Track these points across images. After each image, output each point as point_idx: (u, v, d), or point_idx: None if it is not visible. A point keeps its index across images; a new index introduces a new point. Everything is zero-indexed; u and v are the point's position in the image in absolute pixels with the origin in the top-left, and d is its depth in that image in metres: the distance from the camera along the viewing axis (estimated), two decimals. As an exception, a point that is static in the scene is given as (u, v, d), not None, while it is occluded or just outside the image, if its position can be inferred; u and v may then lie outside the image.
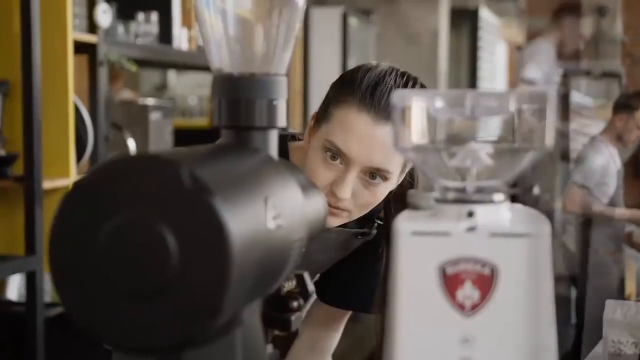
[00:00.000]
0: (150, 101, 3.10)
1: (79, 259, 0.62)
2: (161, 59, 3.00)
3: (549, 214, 3.97)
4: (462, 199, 0.69)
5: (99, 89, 2.60)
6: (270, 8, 0.81)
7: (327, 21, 4.70)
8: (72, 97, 2.44)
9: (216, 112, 0.80)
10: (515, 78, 4.33)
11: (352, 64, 5.66)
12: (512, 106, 0.68)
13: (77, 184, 0.63)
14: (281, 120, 0.81)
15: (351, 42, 4.77)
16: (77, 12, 2.55)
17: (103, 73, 2.61)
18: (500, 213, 0.69)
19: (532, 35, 9.64)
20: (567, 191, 4.12)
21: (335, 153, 1.21)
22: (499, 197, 0.70)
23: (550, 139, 0.69)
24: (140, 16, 2.95)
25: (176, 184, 0.60)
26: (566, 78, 4.39)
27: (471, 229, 0.67)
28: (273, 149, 0.81)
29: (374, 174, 1.22)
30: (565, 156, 4.09)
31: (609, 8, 9.10)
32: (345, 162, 1.21)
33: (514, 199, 0.72)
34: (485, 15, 7.34)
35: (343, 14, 4.76)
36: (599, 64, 8.71)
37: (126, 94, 3.79)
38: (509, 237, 0.67)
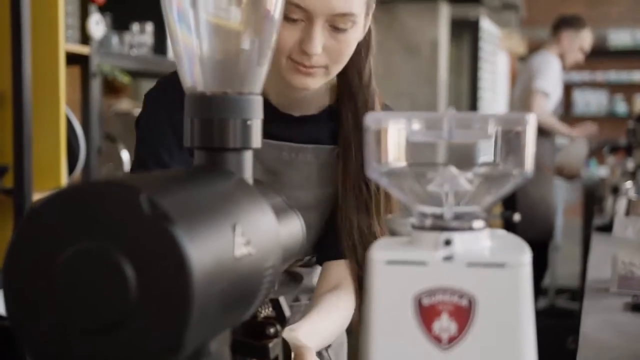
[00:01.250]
0: (145, 112, 3.07)
1: (33, 287, 0.59)
2: (156, 70, 2.98)
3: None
4: (439, 226, 0.66)
5: (91, 100, 2.58)
6: (243, 24, 0.79)
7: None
8: (63, 109, 2.41)
9: (188, 132, 0.77)
10: (524, 88, 4.32)
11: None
12: (491, 130, 0.65)
13: (33, 209, 0.60)
14: (256, 141, 0.78)
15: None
16: (70, 23, 2.52)
17: (96, 84, 2.59)
18: (479, 241, 0.66)
19: (533, 46, 9.63)
20: (532, 99, 4.19)
21: (294, 11, 1.16)
22: (478, 224, 0.67)
23: (530, 164, 0.66)
24: (135, 27, 2.92)
25: (135, 212, 0.57)
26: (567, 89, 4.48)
27: (448, 258, 0.64)
28: (247, 171, 0.78)
29: (339, 21, 1.17)
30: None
31: None
32: (307, 18, 1.16)
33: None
34: (486, 25, 7.31)
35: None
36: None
37: (125, 105, 3.77)
38: (488, 267, 0.64)
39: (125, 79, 2.68)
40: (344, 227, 1.25)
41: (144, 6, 2.72)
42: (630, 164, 4.01)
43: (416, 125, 0.67)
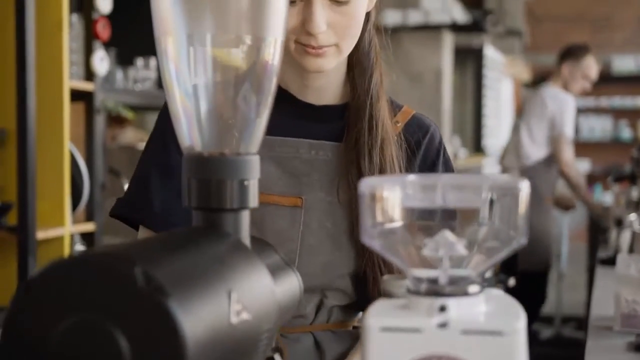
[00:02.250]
0: (149, 146, 3.08)
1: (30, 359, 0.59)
2: (160, 104, 2.98)
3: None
4: (434, 291, 0.66)
5: (95, 136, 2.59)
6: (242, 83, 0.79)
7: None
8: (67, 146, 2.43)
9: (186, 192, 0.78)
10: (535, 126, 4.29)
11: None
12: (484, 196, 0.66)
13: (29, 282, 0.61)
14: (253, 201, 0.79)
15: (354, 82, 4.73)
16: (75, 59, 2.54)
17: (100, 120, 2.60)
18: (474, 306, 0.66)
19: (537, 72, 9.66)
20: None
21: None
22: (473, 288, 0.67)
23: (524, 230, 0.66)
24: (140, 61, 2.94)
25: (129, 285, 0.58)
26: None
27: (443, 325, 0.64)
28: (244, 231, 0.78)
29: None
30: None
31: None
32: None
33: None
34: (490, 53, 7.34)
35: (345, 55, 4.75)
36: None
37: (130, 134, 3.78)
38: (483, 334, 0.64)
39: (129, 115, 2.70)
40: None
41: (149, 41, 2.73)
42: (634, 193, 4.00)
43: (409, 191, 0.67)
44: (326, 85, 1.24)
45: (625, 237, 2.89)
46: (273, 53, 0.79)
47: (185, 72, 0.78)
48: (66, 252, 2.46)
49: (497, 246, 0.68)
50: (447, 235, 0.68)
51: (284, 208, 1.19)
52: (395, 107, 1.27)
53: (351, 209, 1.19)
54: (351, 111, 1.22)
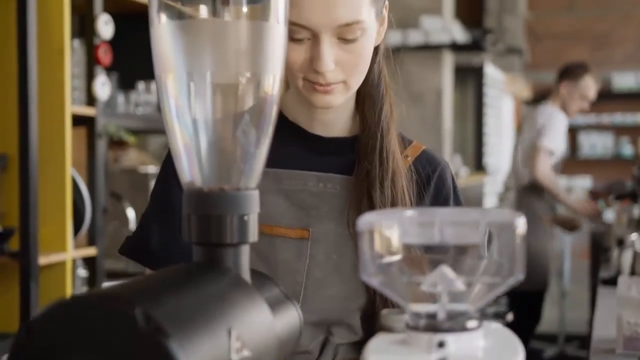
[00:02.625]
0: (151, 169, 3.10)
1: (31, 401, 0.60)
2: (161, 128, 3.01)
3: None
4: (433, 326, 0.67)
5: (97, 161, 2.60)
6: (241, 122, 0.80)
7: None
8: (69, 171, 2.43)
9: (186, 227, 0.79)
10: (530, 144, 4.33)
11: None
12: (481, 232, 0.66)
13: (30, 324, 0.61)
14: (253, 235, 0.79)
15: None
16: (76, 84, 2.56)
17: (101, 145, 2.61)
18: (472, 341, 0.67)
19: (537, 89, 9.69)
20: (536, 157, 4.18)
21: (298, 31, 1.10)
22: (471, 324, 0.67)
23: (522, 266, 0.67)
24: (141, 85, 2.96)
25: (130, 326, 0.58)
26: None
27: (441, 362, 0.65)
28: (244, 265, 0.79)
29: (346, 32, 1.10)
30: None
31: None
32: (312, 35, 1.10)
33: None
34: (490, 71, 7.36)
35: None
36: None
37: (133, 156, 3.80)
38: (481, 371, 0.64)
39: (130, 139, 2.71)
40: None
41: (150, 65, 2.75)
42: (636, 211, 4.00)
43: (407, 227, 0.68)
44: (335, 118, 1.24)
45: (627, 257, 2.89)
46: (272, 89, 0.80)
47: (185, 109, 0.79)
48: (68, 277, 2.46)
49: (496, 282, 0.68)
50: (446, 270, 0.69)
51: (290, 240, 1.18)
52: (405, 142, 1.26)
53: None
54: (361, 144, 1.21)
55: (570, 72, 4.39)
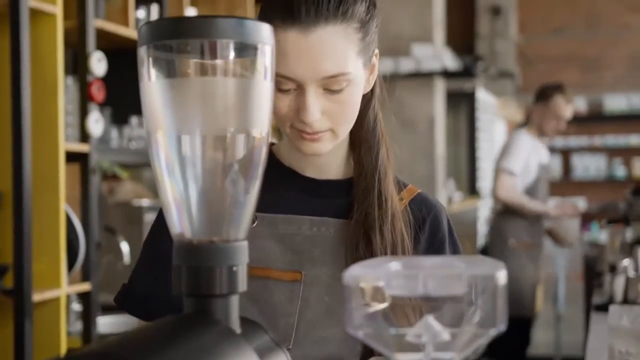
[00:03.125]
0: (145, 202, 3.12)
1: None
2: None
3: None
4: (419, 377, 0.69)
5: (90, 196, 2.62)
6: (229, 176, 0.82)
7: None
8: (63, 208, 2.45)
9: (176, 278, 0.80)
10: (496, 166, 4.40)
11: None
12: (463, 287, 0.68)
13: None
14: (242, 285, 0.81)
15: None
16: (70, 121, 2.58)
17: (95, 181, 2.63)
18: (457, 392, 0.68)
19: (530, 112, 9.75)
20: (496, 178, 4.24)
21: (284, 82, 1.11)
22: (456, 374, 0.69)
23: (503, 318, 0.69)
24: (134, 120, 2.98)
25: (121, 385, 0.60)
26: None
27: (426, 413, 0.66)
28: (234, 315, 0.80)
29: (332, 84, 1.11)
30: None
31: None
32: (298, 86, 1.11)
33: None
34: (482, 96, 7.41)
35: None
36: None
37: (128, 187, 3.81)
38: (465, 422, 0.66)
39: (124, 175, 2.73)
40: None
41: (142, 100, 2.78)
42: (628, 235, 4.02)
43: (392, 281, 0.70)
44: (328, 161, 1.24)
45: (619, 283, 2.90)
46: (260, 142, 0.82)
47: (175, 163, 0.80)
48: (62, 313, 2.46)
49: (479, 332, 0.70)
50: (431, 321, 0.70)
51: (283, 283, 1.19)
52: (400, 184, 1.27)
53: None
54: (359, 187, 1.22)
55: (542, 94, 4.41)
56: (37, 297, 2.36)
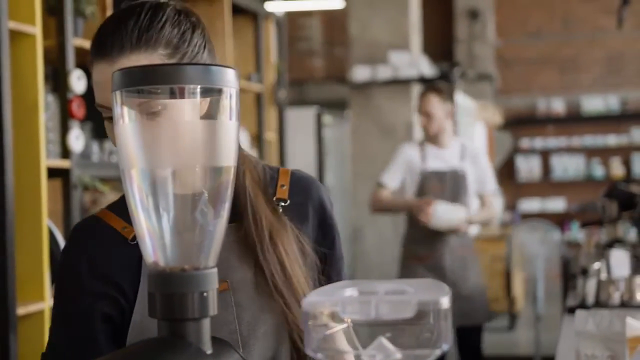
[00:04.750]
0: (126, 214, 3.16)
1: None
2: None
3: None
4: (372, 394, 0.75)
5: (72, 211, 2.67)
6: (199, 208, 0.89)
7: (302, 120, 4.82)
8: (45, 222, 2.50)
9: (150, 304, 0.87)
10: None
11: (328, 160, 5.79)
12: (412, 311, 0.75)
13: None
14: (213, 309, 0.88)
15: (326, 137, 4.87)
16: (51, 138, 2.63)
17: (76, 196, 2.69)
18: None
19: (508, 115, 9.86)
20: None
21: (105, 111, 1.18)
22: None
23: (447, 338, 0.76)
24: (114, 134, 3.04)
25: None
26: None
27: None
28: (205, 337, 0.87)
29: (149, 107, 1.11)
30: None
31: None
32: None
33: None
34: (461, 100, 7.50)
35: (317, 113, 4.89)
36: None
37: (110, 197, 3.85)
38: None
39: (104, 189, 2.78)
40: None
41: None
42: (603, 237, 4.11)
43: (348, 306, 0.77)
44: None
45: (591, 286, 2.97)
46: (227, 175, 0.89)
47: (148, 198, 0.87)
48: (46, 326, 2.52)
49: (427, 351, 0.77)
50: (384, 342, 0.77)
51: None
52: (273, 172, 1.31)
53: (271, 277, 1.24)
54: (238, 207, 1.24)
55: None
56: (21, 310, 2.41)
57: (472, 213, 4.07)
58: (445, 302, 0.75)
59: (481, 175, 4.06)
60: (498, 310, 6.84)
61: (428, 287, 0.80)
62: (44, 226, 2.49)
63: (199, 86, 0.85)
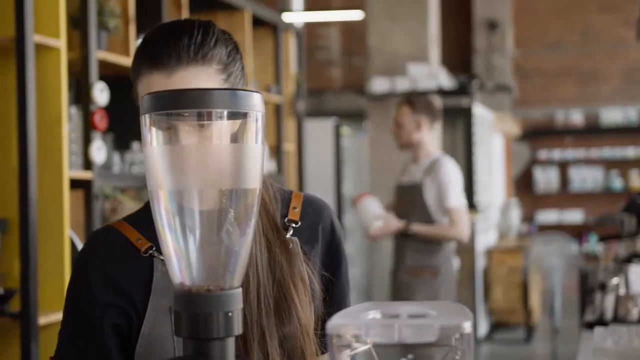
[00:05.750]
0: (146, 224, 3.19)
1: None
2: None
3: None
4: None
5: (94, 222, 2.70)
6: (224, 230, 0.90)
7: (320, 131, 4.84)
8: (67, 233, 2.53)
9: (177, 323, 0.88)
10: None
11: (346, 171, 5.80)
12: (435, 335, 0.76)
13: None
14: (237, 329, 0.89)
15: (344, 148, 4.89)
16: (74, 149, 2.66)
17: (98, 206, 2.72)
18: None
19: (526, 126, 9.83)
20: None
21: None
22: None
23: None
24: (136, 145, 3.07)
25: None
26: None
27: None
28: (230, 356, 0.89)
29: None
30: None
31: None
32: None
33: None
34: (479, 111, 7.49)
35: (336, 125, 4.91)
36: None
37: (130, 206, 3.88)
38: None
39: (125, 200, 2.81)
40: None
41: (144, 126, 2.87)
42: (621, 251, 4.09)
43: (372, 329, 0.78)
44: None
45: (609, 301, 2.97)
46: (253, 196, 0.91)
47: (176, 219, 0.89)
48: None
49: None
50: (407, 363, 0.79)
51: None
52: (284, 194, 1.33)
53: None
54: None
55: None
56: (42, 320, 2.44)
57: (414, 226, 3.90)
58: (467, 326, 0.76)
59: (441, 189, 3.93)
60: (514, 322, 6.83)
61: (450, 310, 0.81)
62: (66, 236, 2.52)
63: (225, 110, 0.87)
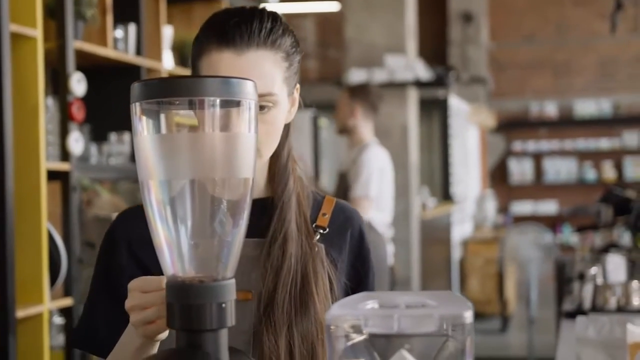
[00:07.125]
0: (123, 216, 3.15)
1: None
2: (133, 177, 3.08)
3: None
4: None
5: (71, 213, 2.67)
6: (217, 220, 0.89)
7: (298, 123, 4.80)
8: (45, 225, 2.50)
9: (170, 315, 0.87)
10: None
11: (324, 163, 5.79)
12: (434, 325, 0.75)
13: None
14: (230, 320, 0.88)
15: (322, 141, 4.87)
16: (51, 140, 2.62)
17: (75, 198, 2.68)
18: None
19: (502, 118, 9.88)
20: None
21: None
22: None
23: (471, 352, 0.76)
24: (113, 137, 3.03)
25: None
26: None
27: None
28: (223, 347, 0.87)
29: (261, 101, 1.15)
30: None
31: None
32: None
33: None
34: (455, 103, 7.52)
35: (314, 116, 4.89)
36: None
37: (106, 198, 3.84)
38: None
39: (103, 192, 2.78)
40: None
41: (121, 117, 2.83)
42: (597, 241, 4.12)
43: (370, 319, 0.77)
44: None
45: (588, 291, 2.98)
46: (245, 186, 0.89)
47: (166, 208, 0.87)
48: (45, 328, 2.51)
49: (446, 365, 0.77)
50: (405, 354, 0.78)
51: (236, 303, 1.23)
52: (318, 199, 1.33)
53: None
54: (271, 209, 1.27)
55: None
56: (20, 313, 2.41)
57: None
58: (468, 316, 0.75)
59: (355, 178, 3.91)
60: (490, 312, 6.87)
61: (449, 300, 0.80)
62: (44, 228, 2.49)
63: (218, 98, 0.85)
